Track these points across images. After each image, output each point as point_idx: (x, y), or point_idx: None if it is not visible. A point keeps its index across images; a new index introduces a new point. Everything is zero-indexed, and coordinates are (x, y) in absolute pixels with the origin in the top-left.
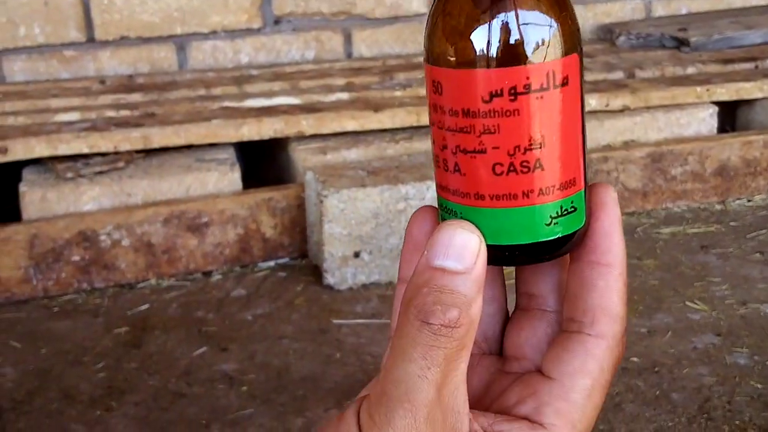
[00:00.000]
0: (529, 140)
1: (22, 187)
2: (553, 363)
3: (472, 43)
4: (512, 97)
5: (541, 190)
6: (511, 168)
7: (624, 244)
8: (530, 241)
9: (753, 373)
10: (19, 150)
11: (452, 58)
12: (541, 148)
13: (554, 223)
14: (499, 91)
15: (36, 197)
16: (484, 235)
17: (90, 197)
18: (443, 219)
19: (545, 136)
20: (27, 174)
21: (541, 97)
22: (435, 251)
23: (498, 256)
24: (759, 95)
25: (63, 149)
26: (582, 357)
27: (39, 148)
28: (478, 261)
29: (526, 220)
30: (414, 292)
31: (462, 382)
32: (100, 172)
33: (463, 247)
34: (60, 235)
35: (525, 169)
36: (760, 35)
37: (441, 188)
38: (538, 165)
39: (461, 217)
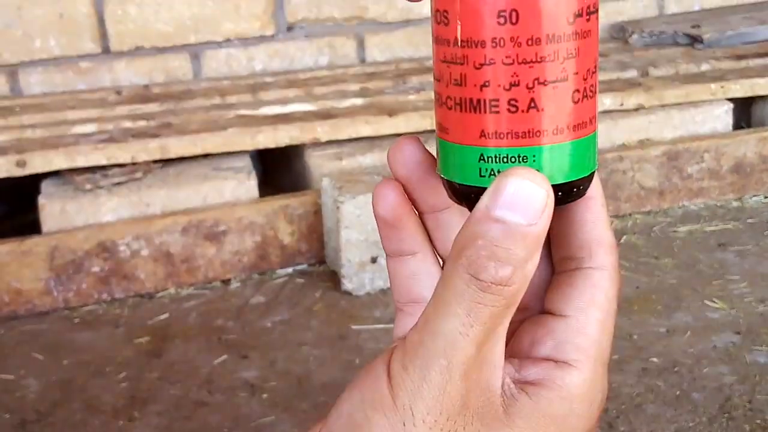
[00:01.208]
0: (594, 63)
1: (42, 200)
2: (563, 301)
3: None
4: (587, 17)
5: (595, 115)
6: (584, 94)
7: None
8: (590, 171)
9: None
10: (37, 163)
11: None
12: (597, 71)
13: (595, 152)
14: (580, 11)
15: (55, 209)
16: (561, 174)
17: (109, 208)
18: (498, 171)
19: (598, 59)
20: (46, 186)
21: (597, 18)
22: (498, 200)
23: (568, 193)
24: None
25: (81, 161)
26: (590, 290)
27: (57, 161)
28: (543, 217)
29: (591, 148)
30: (467, 242)
31: (502, 337)
32: (119, 183)
33: (530, 200)
34: (80, 247)
35: (591, 94)
36: None
37: (499, 136)
38: (596, 89)
39: (534, 161)
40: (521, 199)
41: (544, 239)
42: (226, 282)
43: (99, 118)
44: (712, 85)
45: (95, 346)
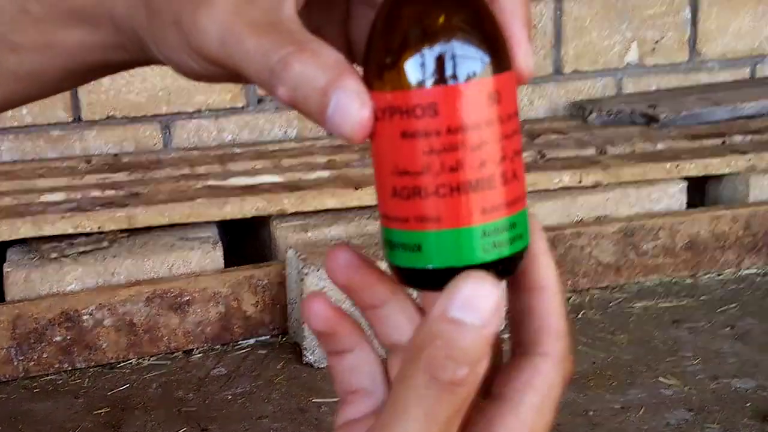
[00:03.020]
0: None
1: (6, 268)
2: (503, 382)
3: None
4: None
5: None
6: None
7: (554, 264)
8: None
9: None
10: (3, 231)
11: (509, 62)
12: None
13: None
14: None
15: (20, 277)
16: (527, 236)
17: (74, 277)
18: (498, 242)
19: None
20: (11, 254)
21: None
22: (454, 301)
23: (522, 258)
24: (726, 171)
25: (48, 230)
26: (529, 373)
27: (24, 229)
28: (495, 317)
29: None
30: (425, 342)
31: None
32: (84, 252)
33: (484, 301)
34: (43, 315)
35: None
36: (727, 111)
37: (497, 209)
38: None
39: (519, 224)
40: (476, 301)
41: (494, 339)
42: (188, 352)
43: (68, 186)
44: (668, 164)
45: (54, 416)
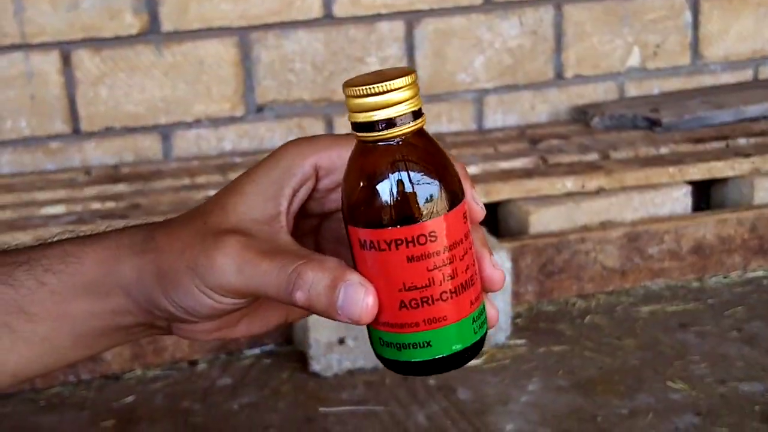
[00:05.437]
0: None
1: None
2: None
3: None
4: None
5: None
6: None
7: None
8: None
9: None
10: (4, 245)
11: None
12: None
13: None
14: None
15: None
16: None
17: None
18: (483, 323)
19: None
20: None
21: None
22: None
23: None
24: (730, 174)
25: None
26: None
27: (25, 242)
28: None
29: None
30: None
31: None
32: None
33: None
34: None
35: None
36: (729, 114)
37: (477, 299)
38: None
39: (484, 307)
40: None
41: None
42: (193, 363)
43: (68, 199)
44: (671, 168)
45: (60, 429)
